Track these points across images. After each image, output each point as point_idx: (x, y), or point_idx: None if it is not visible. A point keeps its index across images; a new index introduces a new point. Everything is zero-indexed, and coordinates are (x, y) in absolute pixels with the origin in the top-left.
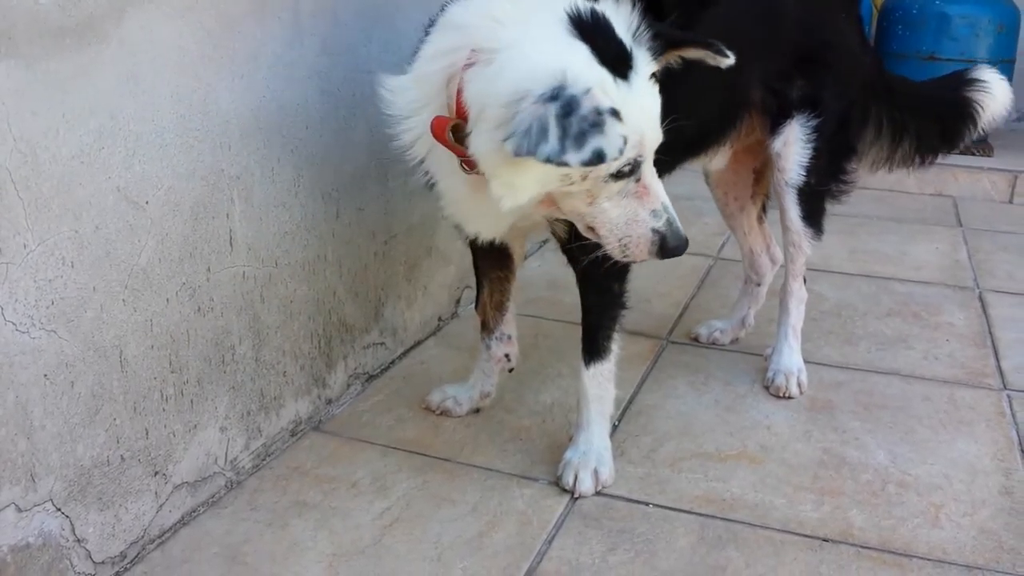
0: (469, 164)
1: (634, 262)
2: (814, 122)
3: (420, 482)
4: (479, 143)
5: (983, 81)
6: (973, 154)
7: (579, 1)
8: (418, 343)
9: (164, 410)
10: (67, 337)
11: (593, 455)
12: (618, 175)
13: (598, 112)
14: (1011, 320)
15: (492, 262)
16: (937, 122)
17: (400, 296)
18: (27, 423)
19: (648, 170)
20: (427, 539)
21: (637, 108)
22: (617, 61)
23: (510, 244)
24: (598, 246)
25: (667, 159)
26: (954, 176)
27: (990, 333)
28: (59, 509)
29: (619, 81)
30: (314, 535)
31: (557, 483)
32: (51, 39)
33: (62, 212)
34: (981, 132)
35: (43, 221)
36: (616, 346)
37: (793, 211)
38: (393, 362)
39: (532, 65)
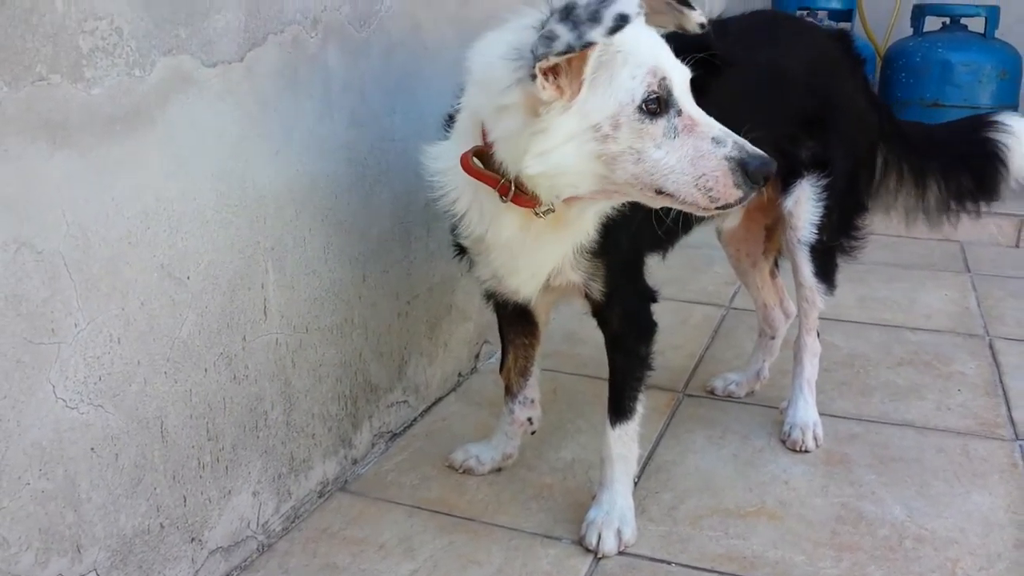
0: (504, 190)
1: (730, 205)
2: (824, 182)
3: (446, 543)
4: (498, 122)
5: (1004, 124)
6: None
7: None
8: (439, 399)
9: (201, 477)
10: (113, 411)
11: (616, 515)
12: (651, 112)
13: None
14: (1021, 368)
15: (518, 329)
16: (963, 166)
17: (422, 354)
18: (75, 496)
19: (688, 102)
20: None
21: (646, 40)
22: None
23: (537, 309)
24: (630, 307)
25: (683, 221)
26: (961, 221)
27: (1001, 382)
28: None
29: (623, 30)
30: None
31: (580, 543)
32: (102, 127)
33: (110, 291)
34: (1018, 182)
35: (93, 301)
36: (641, 406)
37: (806, 268)
38: (416, 420)
39: (521, 26)
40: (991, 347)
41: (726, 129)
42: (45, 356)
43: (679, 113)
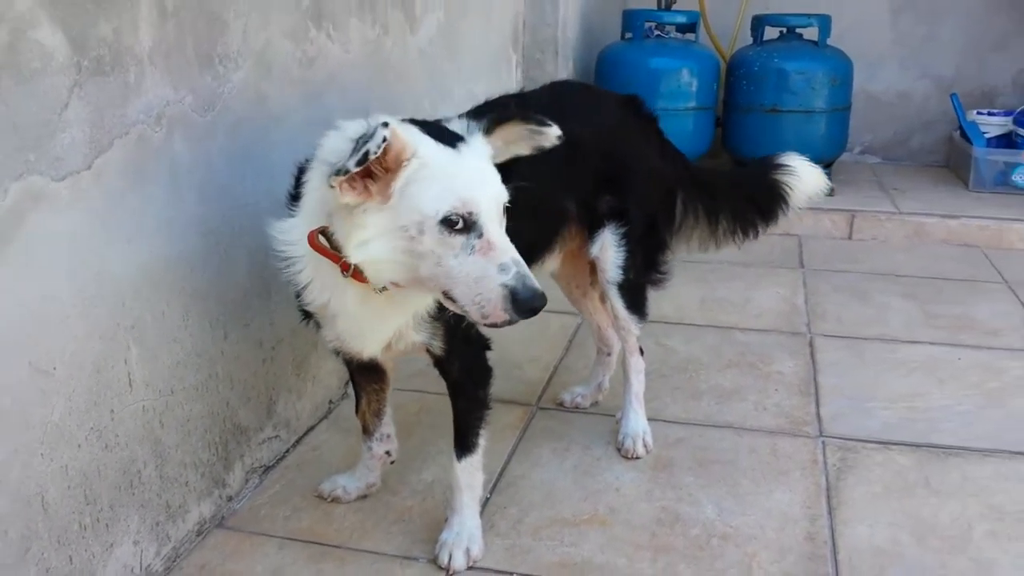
0: (345, 267)
1: (496, 325)
2: (623, 229)
3: (315, 571)
4: (332, 212)
5: (789, 166)
6: None
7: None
8: (311, 428)
9: (84, 537)
10: None
11: (465, 535)
12: (455, 228)
13: (376, 131)
14: (834, 365)
15: (368, 377)
16: (751, 203)
17: (290, 391)
18: None
19: (491, 227)
20: None
21: (470, 172)
22: (445, 138)
23: (384, 362)
24: (467, 359)
25: None
26: (799, 217)
27: (815, 380)
28: None
29: (447, 148)
30: None
31: (435, 562)
32: None
33: None
34: (797, 210)
35: None
36: (483, 440)
37: (618, 303)
38: (288, 451)
39: (345, 136)
40: (811, 345)
41: (518, 258)
42: None
43: (480, 236)
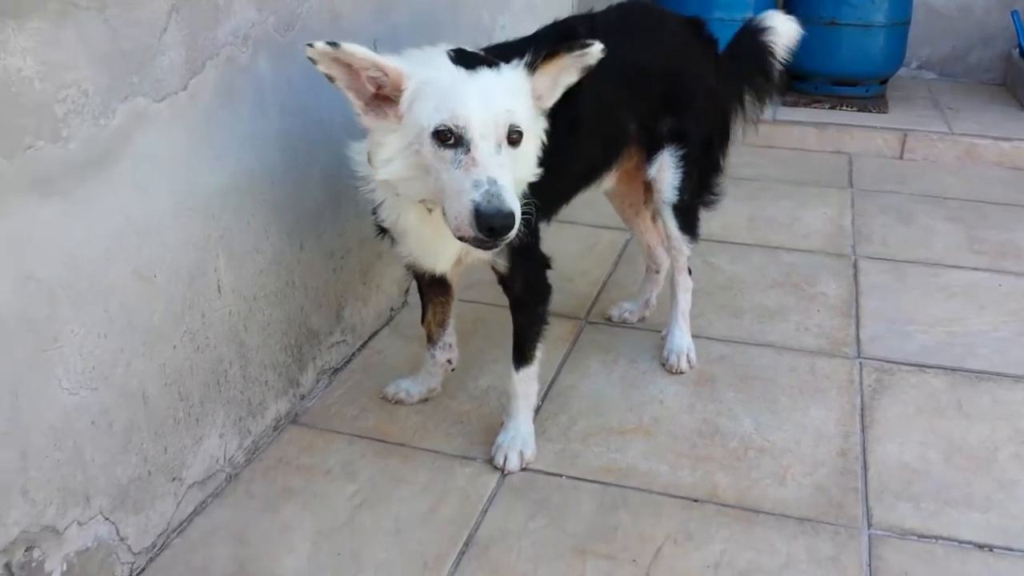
0: None
1: (466, 240)
2: (681, 151)
3: (381, 466)
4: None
5: (768, 25)
6: (870, 111)
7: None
8: (374, 334)
9: (177, 430)
10: (105, 391)
11: (519, 439)
12: (446, 143)
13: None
14: (876, 287)
15: (435, 290)
16: (759, 73)
17: (357, 298)
18: (82, 460)
19: (481, 144)
20: (389, 516)
21: (466, 87)
22: (468, 62)
23: (450, 277)
24: (529, 276)
25: (562, 190)
26: (851, 135)
27: (856, 302)
28: (107, 518)
29: (460, 70)
30: (300, 516)
31: (491, 462)
32: (78, 172)
33: (95, 299)
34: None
35: (82, 309)
36: (540, 353)
37: (671, 223)
38: (354, 355)
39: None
40: (855, 267)
41: (496, 176)
42: (51, 359)
43: (467, 151)
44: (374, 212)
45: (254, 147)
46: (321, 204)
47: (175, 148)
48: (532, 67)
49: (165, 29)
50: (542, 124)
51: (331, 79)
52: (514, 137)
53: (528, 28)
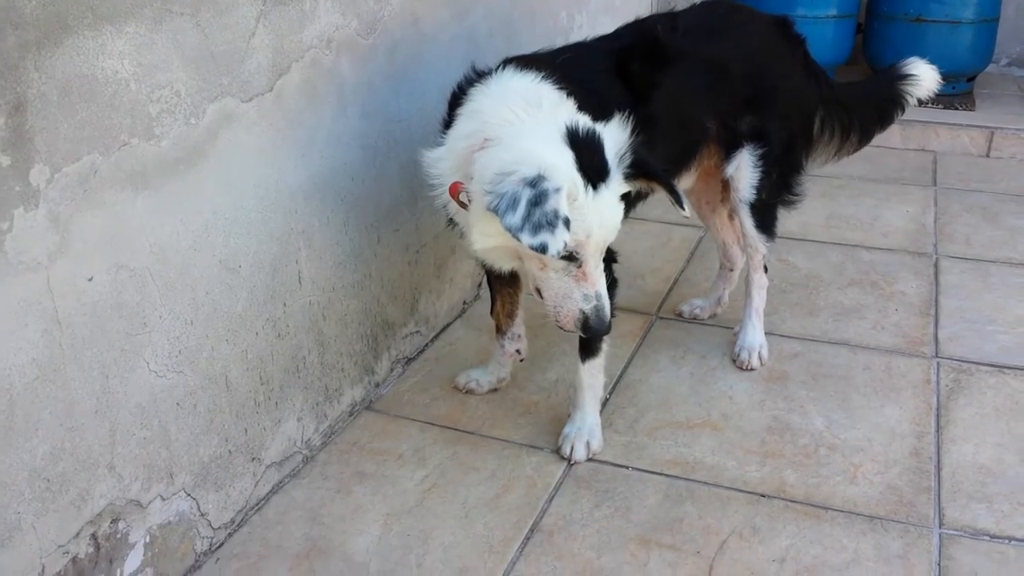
0: None
1: (562, 328)
2: (761, 150)
3: (451, 453)
4: (473, 199)
5: (915, 75)
6: (956, 108)
7: (581, 118)
8: (447, 326)
9: (257, 413)
10: (190, 374)
11: (586, 430)
12: (563, 257)
13: (556, 215)
14: (957, 287)
15: (503, 281)
16: (877, 114)
17: (431, 291)
18: (167, 438)
19: (591, 261)
20: (457, 501)
21: (594, 215)
22: (594, 173)
23: (518, 270)
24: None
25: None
26: (936, 132)
27: (936, 301)
28: (189, 495)
29: (589, 189)
30: (372, 499)
31: (557, 452)
32: (170, 169)
33: (183, 288)
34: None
35: (171, 297)
36: (606, 346)
37: (748, 222)
38: (427, 345)
39: (525, 153)
40: (936, 266)
41: (603, 291)
42: (141, 343)
43: (579, 266)
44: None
45: (335, 145)
46: (398, 200)
47: (261, 146)
48: (632, 178)
49: (253, 33)
50: None
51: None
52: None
53: (605, 27)
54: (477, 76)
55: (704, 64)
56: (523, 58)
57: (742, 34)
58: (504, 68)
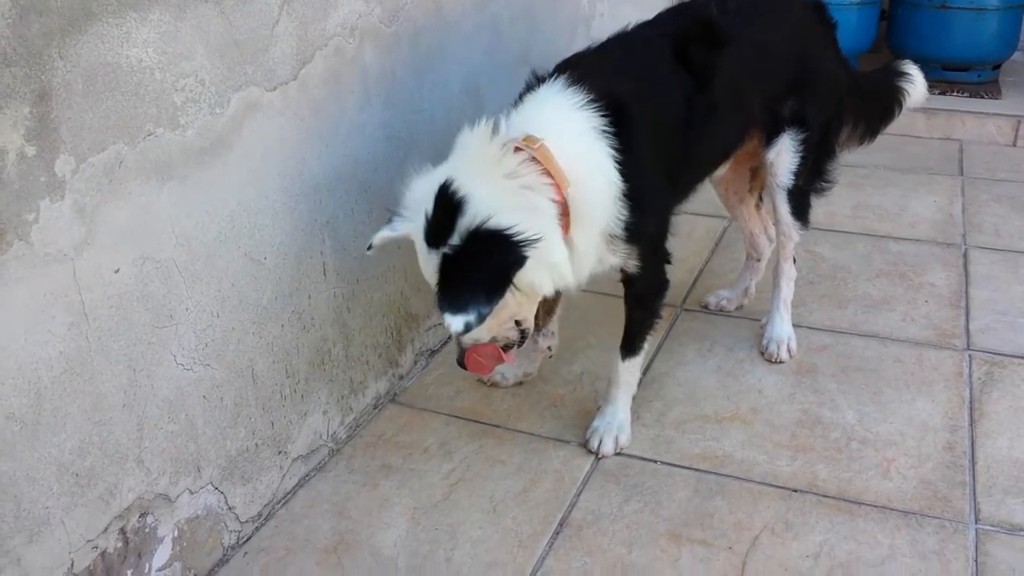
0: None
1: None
2: (802, 135)
3: (477, 446)
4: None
5: (909, 74)
6: (982, 96)
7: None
8: None
9: (283, 406)
10: (217, 367)
11: (616, 424)
12: None
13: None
14: (988, 278)
15: None
16: (880, 107)
17: None
18: (194, 432)
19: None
20: (484, 494)
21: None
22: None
23: None
24: (653, 274)
25: (697, 176)
26: (962, 121)
27: (966, 293)
28: (216, 488)
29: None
30: (398, 492)
31: (585, 445)
32: (195, 159)
33: (209, 279)
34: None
35: (197, 289)
36: (647, 345)
37: (783, 208)
38: (450, 338)
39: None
40: (965, 256)
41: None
42: (167, 335)
43: None
44: None
45: (359, 136)
46: None
47: (285, 136)
48: None
49: (277, 21)
50: None
51: None
52: None
53: (627, 16)
54: (536, 80)
55: (754, 46)
56: (577, 64)
57: (785, 16)
58: (556, 78)
